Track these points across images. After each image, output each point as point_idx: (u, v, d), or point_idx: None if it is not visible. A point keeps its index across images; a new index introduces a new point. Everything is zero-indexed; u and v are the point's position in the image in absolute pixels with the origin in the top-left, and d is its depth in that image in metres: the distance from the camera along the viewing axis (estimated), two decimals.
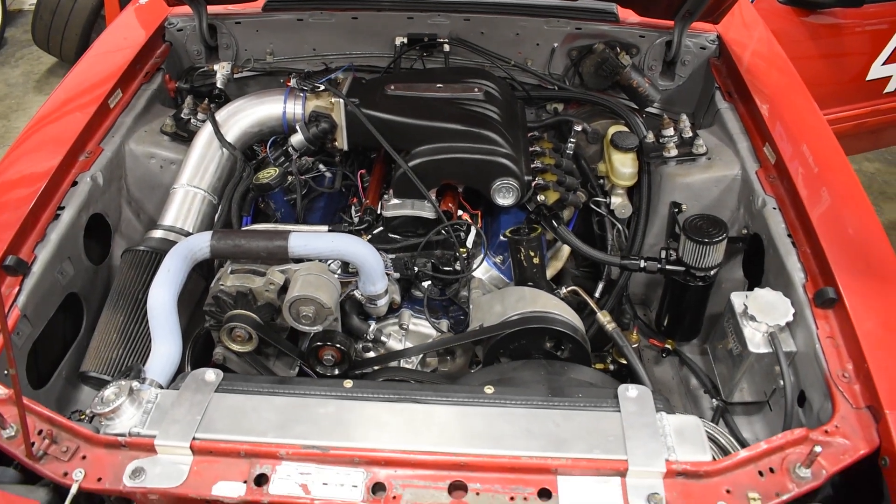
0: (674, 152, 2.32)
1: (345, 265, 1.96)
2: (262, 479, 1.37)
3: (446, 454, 1.38)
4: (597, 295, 2.35)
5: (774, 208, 1.99)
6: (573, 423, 1.44)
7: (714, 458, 1.40)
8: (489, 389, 1.53)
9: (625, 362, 1.98)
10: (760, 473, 1.38)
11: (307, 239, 1.84)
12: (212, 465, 1.39)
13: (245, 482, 1.36)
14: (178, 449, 1.40)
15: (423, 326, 2.04)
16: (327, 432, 1.43)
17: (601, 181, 2.42)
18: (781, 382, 1.70)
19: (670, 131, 2.35)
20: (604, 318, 1.93)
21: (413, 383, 1.81)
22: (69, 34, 5.46)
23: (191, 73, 2.69)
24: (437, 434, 1.43)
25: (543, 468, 1.37)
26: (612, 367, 2.13)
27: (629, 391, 1.51)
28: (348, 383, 1.55)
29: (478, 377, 1.77)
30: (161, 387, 1.59)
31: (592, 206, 2.38)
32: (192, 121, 2.41)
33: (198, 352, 1.98)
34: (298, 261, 1.87)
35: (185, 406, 1.48)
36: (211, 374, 1.55)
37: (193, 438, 1.41)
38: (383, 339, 2.00)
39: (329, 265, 1.93)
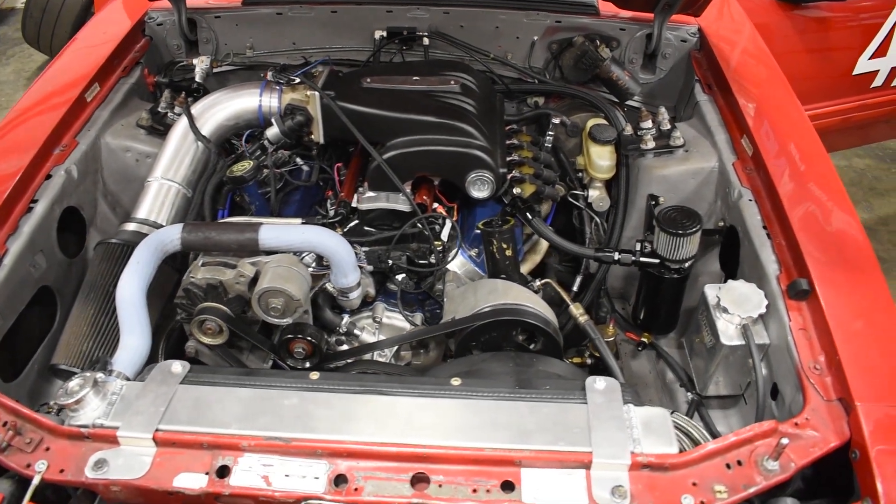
0: (651, 145, 2.31)
1: (319, 258, 1.95)
2: (223, 471, 1.36)
3: (409, 446, 1.37)
4: (575, 289, 2.33)
5: (750, 200, 1.98)
6: (539, 415, 1.43)
7: (682, 451, 1.39)
8: (456, 381, 1.51)
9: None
10: (728, 466, 1.36)
11: (278, 231, 1.83)
12: (174, 456, 1.38)
13: (207, 474, 1.35)
14: (141, 440, 1.39)
15: (396, 319, 2.03)
16: (290, 424, 1.41)
17: (580, 174, 2.41)
18: (754, 375, 1.69)
19: (648, 124, 2.34)
20: (576, 310, 1.91)
21: (381, 375, 1.80)
22: (59, 31, 5.44)
23: (170, 67, 2.67)
24: (402, 426, 1.42)
25: (507, 460, 1.36)
26: (588, 360, 2.12)
27: (597, 383, 1.50)
28: (314, 375, 1.54)
29: (447, 369, 1.76)
30: (128, 378, 1.58)
31: (571, 200, 2.37)
32: (169, 114, 2.40)
33: (172, 345, 1.97)
34: (271, 253, 1.86)
35: (149, 398, 1.47)
36: (177, 366, 1.54)
37: (156, 430, 1.40)
38: (356, 332, 1.99)
39: (303, 258, 1.92)
